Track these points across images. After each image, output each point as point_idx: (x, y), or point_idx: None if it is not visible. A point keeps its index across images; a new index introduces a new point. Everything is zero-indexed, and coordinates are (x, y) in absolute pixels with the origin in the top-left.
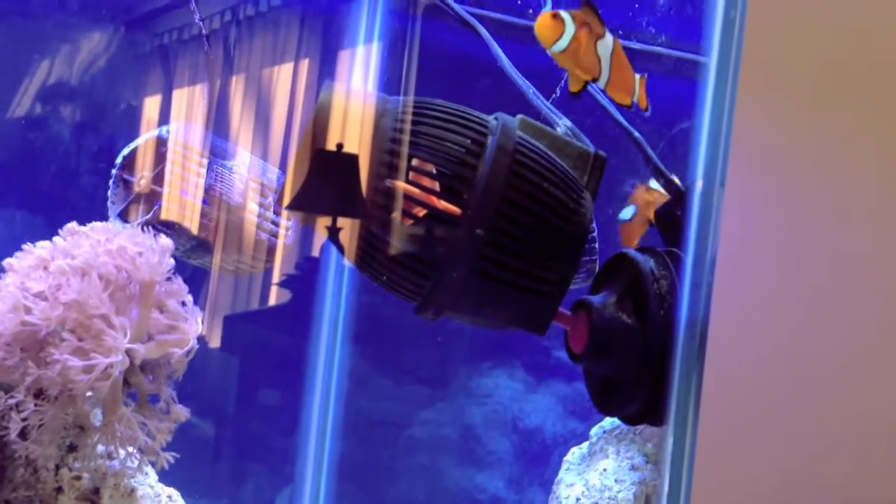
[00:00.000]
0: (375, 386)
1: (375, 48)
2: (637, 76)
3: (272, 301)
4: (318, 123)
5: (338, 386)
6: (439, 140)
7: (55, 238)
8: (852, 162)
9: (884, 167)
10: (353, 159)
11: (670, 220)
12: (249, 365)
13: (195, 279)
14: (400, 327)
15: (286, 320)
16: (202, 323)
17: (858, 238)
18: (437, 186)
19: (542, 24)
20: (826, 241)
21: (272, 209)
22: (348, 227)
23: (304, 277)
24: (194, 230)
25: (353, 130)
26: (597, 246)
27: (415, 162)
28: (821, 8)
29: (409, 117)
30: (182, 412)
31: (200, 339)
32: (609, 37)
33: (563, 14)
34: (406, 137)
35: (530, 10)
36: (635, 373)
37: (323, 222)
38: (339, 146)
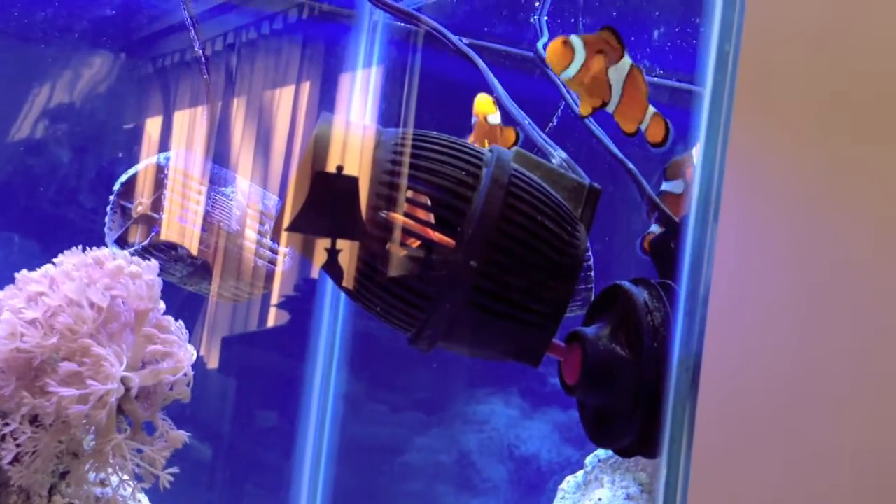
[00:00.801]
0: (371, 411)
1: (374, 76)
2: (651, 109)
3: (268, 326)
4: (315, 155)
5: (333, 411)
6: (434, 172)
7: (51, 264)
8: (848, 195)
9: (881, 200)
10: (352, 181)
11: (665, 252)
12: (244, 389)
13: (192, 304)
14: (396, 353)
15: (282, 345)
16: (196, 348)
17: (855, 271)
18: (431, 218)
19: (552, 50)
20: (822, 275)
21: (269, 236)
22: (343, 257)
23: (301, 303)
24: (191, 257)
25: (348, 162)
26: (592, 274)
27: (409, 193)
28: (816, 42)
29: (404, 149)
30: (178, 437)
31: (196, 363)
32: (626, 61)
33: (574, 40)
34: (401, 169)
35: (539, 44)
36: (629, 405)
37: (319, 251)
38: (339, 168)
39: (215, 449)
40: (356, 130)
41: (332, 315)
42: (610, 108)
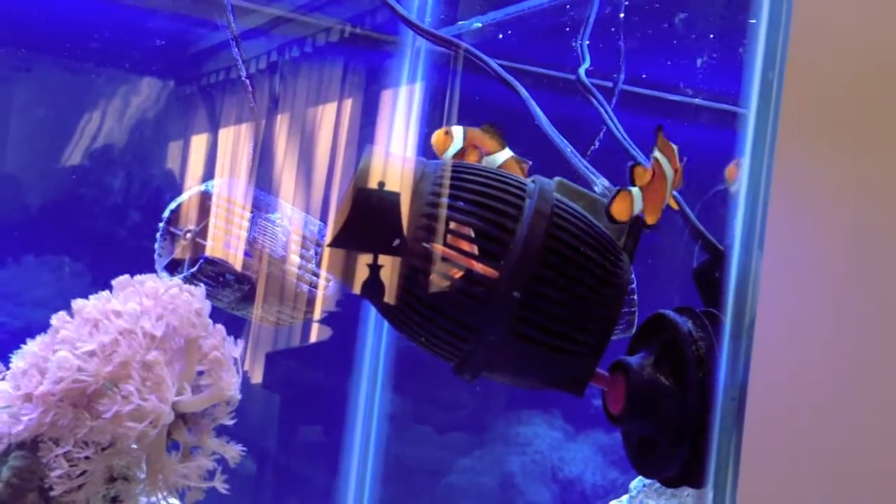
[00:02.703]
0: (414, 431)
1: (417, 101)
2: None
3: (312, 346)
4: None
5: (377, 432)
6: (477, 203)
7: (104, 292)
8: None
9: None
10: (394, 196)
11: (709, 281)
12: (289, 409)
13: (235, 328)
14: (439, 373)
15: (326, 367)
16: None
17: None
18: (475, 250)
19: (435, 137)
20: (871, 302)
21: (313, 261)
22: (385, 280)
23: (344, 325)
24: (239, 282)
25: None
26: (636, 298)
27: (453, 225)
28: (861, 68)
29: (447, 181)
30: (233, 454)
31: (243, 382)
32: (504, 153)
33: (456, 130)
34: (444, 201)
35: (581, 69)
36: (674, 435)
37: (360, 280)
38: (381, 184)
39: (260, 465)
40: (399, 163)
41: (376, 336)
42: None
